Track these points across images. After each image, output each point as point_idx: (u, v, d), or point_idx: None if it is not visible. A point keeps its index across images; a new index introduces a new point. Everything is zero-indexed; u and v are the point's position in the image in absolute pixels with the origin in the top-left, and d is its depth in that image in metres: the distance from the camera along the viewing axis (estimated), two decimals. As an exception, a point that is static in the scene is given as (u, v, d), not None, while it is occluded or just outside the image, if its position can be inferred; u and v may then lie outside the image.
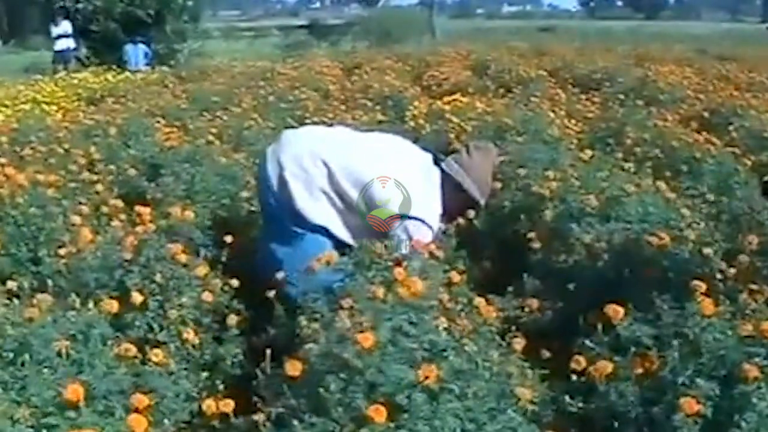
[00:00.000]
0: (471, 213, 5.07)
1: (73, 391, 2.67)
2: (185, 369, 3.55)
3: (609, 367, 3.13)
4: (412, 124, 8.73)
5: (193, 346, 3.72)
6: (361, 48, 27.15)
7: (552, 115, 8.91)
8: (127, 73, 16.78)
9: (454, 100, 9.87)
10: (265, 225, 4.81)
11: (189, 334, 3.68)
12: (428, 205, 4.45)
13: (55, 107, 11.71)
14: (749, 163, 6.79)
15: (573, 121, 8.82)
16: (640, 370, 3.11)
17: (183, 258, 4.07)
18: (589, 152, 6.40)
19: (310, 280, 3.85)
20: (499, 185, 5.72)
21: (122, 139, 7.72)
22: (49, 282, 3.78)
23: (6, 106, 11.33)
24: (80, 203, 5.13)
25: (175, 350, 3.61)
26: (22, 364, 2.83)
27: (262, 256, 4.59)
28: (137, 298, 3.66)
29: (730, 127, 8.39)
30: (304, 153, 4.50)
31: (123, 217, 4.85)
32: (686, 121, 8.99)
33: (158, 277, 3.85)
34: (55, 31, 20.71)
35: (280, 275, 4.09)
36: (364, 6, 64.88)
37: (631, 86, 12.04)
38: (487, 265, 5.13)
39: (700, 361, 2.95)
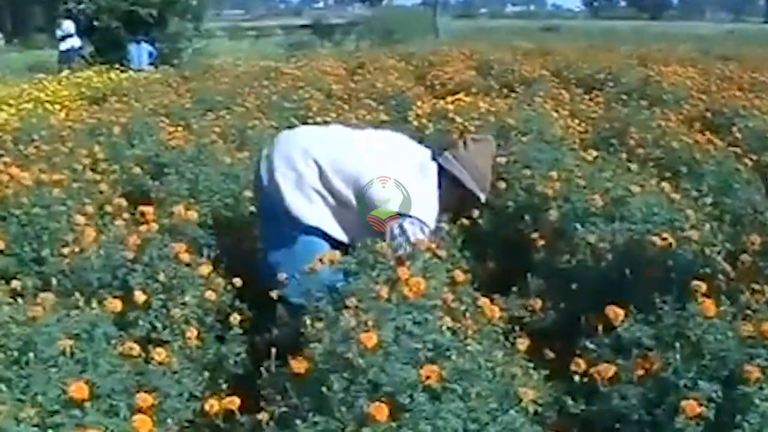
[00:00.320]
0: (474, 212, 5.08)
1: (79, 389, 2.68)
2: (188, 368, 3.55)
3: (611, 369, 3.13)
4: (415, 123, 8.72)
5: (196, 346, 3.72)
6: (365, 47, 27.16)
7: (555, 115, 8.90)
8: (131, 73, 16.77)
9: (458, 99, 9.86)
10: (261, 227, 4.79)
11: (192, 333, 3.68)
12: (424, 201, 4.39)
13: (58, 106, 11.71)
14: (751, 163, 6.78)
15: (576, 121, 8.82)
16: (641, 372, 3.11)
17: (186, 257, 4.07)
18: (592, 152, 6.40)
19: (310, 281, 3.83)
20: (503, 185, 5.73)
21: (126, 138, 7.74)
22: (53, 281, 3.79)
23: (9, 105, 11.33)
24: (84, 203, 5.13)
25: (178, 349, 3.61)
26: (27, 363, 2.84)
27: (260, 259, 4.57)
28: (140, 297, 3.67)
29: (733, 128, 8.38)
30: (296, 153, 4.46)
31: (126, 216, 4.85)
32: (689, 121, 8.99)
33: (161, 276, 3.86)
34: (59, 32, 20.70)
35: (280, 277, 4.08)
36: (368, 6, 64.78)
37: (635, 86, 12.04)
38: (491, 264, 5.14)
39: (702, 363, 2.96)
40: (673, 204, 5.08)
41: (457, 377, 2.75)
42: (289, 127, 6.71)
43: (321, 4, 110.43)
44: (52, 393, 2.72)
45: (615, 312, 3.41)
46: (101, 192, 5.65)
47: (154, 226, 4.32)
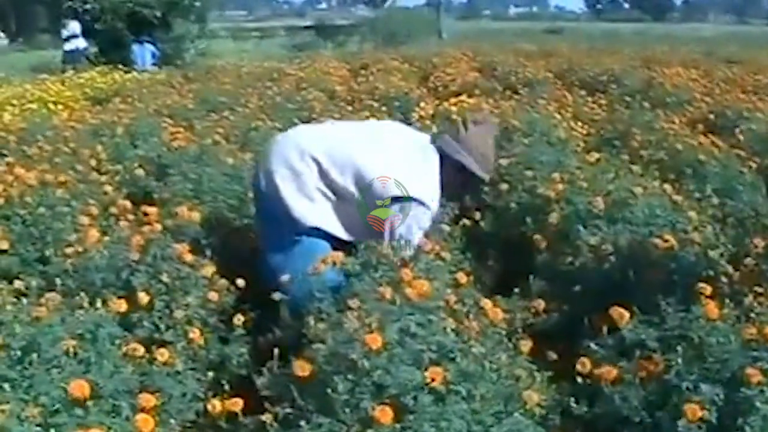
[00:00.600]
0: (477, 213, 5.07)
1: (80, 388, 2.68)
2: (191, 369, 3.55)
3: (613, 372, 3.13)
4: (418, 125, 8.72)
5: (199, 346, 3.73)
6: (368, 49, 27.16)
7: (558, 117, 8.91)
8: (134, 73, 16.79)
9: (461, 101, 9.88)
10: (261, 231, 4.73)
11: (195, 334, 3.68)
12: (425, 185, 4.32)
13: (61, 107, 11.72)
14: (755, 165, 6.78)
15: (579, 123, 8.83)
16: (644, 374, 3.11)
17: (189, 258, 4.08)
18: (595, 154, 6.40)
19: (313, 282, 3.82)
20: (505, 187, 5.74)
21: (129, 138, 7.74)
22: (57, 281, 3.79)
23: (13, 105, 11.34)
24: (88, 203, 5.13)
25: (182, 350, 3.61)
26: (30, 363, 2.84)
27: (260, 262, 4.55)
28: (143, 298, 3.67)
29: (737, 130, 8.39)
30: (292, 154, 4.39)
31: (130, 216, 4.85)
32: (692, 123, 9.00)
33: (165, 277, 3.86)
34: (65, 32, 20.72)
35: (283, 278, 4.07)
36: (371, 7, 64.91)
37: (638, 88, 12.08)
38: (494, 266, 5.14)
39: (705, 365, 2.96)
40: (676, 206, 5.09)
41: (461, 379, 2.75)
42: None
43: (324, 6, 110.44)
44: (56, 393, 2.72)
45: (619, 313, 3.42)
46: (105, 193, 5.65)
47: (158, 226, 4.33)
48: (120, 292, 3.73)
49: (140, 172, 6.34)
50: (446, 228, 4.84)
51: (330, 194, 4.34)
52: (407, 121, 9.12)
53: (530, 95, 11.16)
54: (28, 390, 2.73)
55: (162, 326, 3.70)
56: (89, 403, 2.69)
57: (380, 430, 2.55)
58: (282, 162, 4.39)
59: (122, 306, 3.50)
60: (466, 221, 5.42)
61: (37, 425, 2.58)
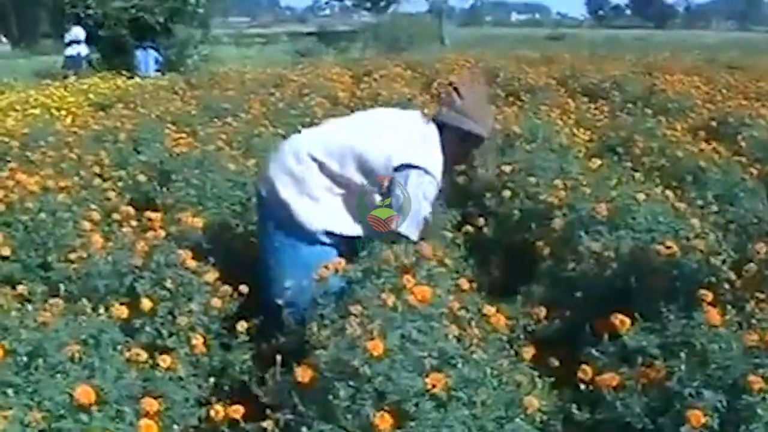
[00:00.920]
0: (480, 220, 5.06)
1: (85, 393, 2.69)
2: (194, 375, 3.56)
3: (615, 379, 3.14)
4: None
5: (202, 352, 3.74)
6: (371, 55, 27.18)
7: (561, 123, 8.92)
8: (137, 79, 16.81)
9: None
10: (263, 240, 4.66)
11: (198, 340, 3.69)
12: (427, 154, 4.30)
13: (64, 112, 11.73)
14: (756, 172, 6.78)
15: (582, 130, 8.83)
16: (646, 381, 3.12)
17: (193, 264, 4.09)
18: (597, 161, 6.41)
19: (317, 289, 3.82)
20: (508, 193, 5.74)
21: (132, 144, 7.75)
22: (61, 287, 3.80)
23: (16, 111, 11.36)
24: (91, 209, 5.14)
25: (184, 356, 3.62)
26: (36, 369, 2.85)
27: (261, 271, 4.54)
28: (147, 304, 3.68)
29: (738, 137, 8.39)
30: (289, 158, 4.40)
31: (133, 223, 4.86)
32: (694, 130, 9.00)
33: (168, 283, 3.86)
34: (68, 36, 20.77)
35: (286, 285, 4.06)
36: (374, 13, 64.92)
37: (640, 95, 12.07)
38: (496, 272, 5.15)
39: (707, 372, 2.96)
40: (678, 213, 5.09)
41: (462, 385, 2.75)
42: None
43: (327, 12, 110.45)
44: (60, 398, 2.73)
45: (621, 320, 3.42)
46: (108, 199, 5.66)
47: (161, 232, 4.34)
48: (123, 298, 3.74)
49: (143, 178, 6.35)
50: (449, 234, 4.84)
51: (336, 189, 4.32)
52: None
53: (532, 101, 11.16)
54: (32, 395, 2.74)
55: (165, 332, 3.71)
56: (93, 408, 2.70)
57: (382, 436, 2.56)
58: (281, 169, 4.39)
59: (125, 312, 3.50)
60: (469, 227, 5.43)
61: (41, 430, 2.59)
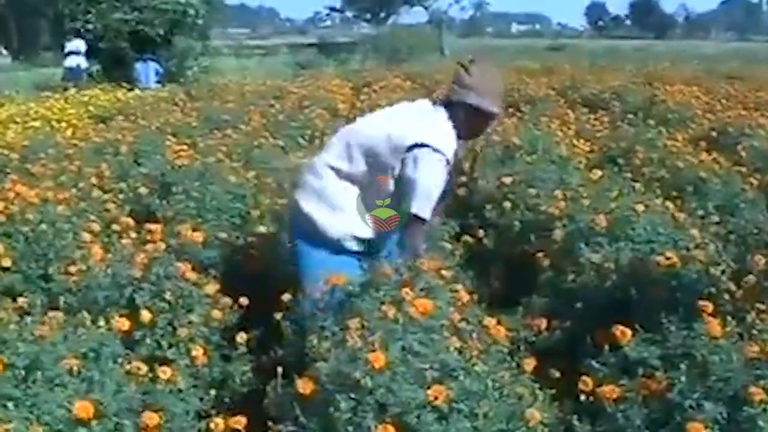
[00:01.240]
0: (480, 231, 5.06)
1: (84, 408, 2.69)
2: (194, 387, 3.55)
3: (616, 390, 3.13)
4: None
5: (202, 364, 3.73)
6: (371, 66, 27.21)
7: (561, 134, 8.92)
8: (138, 91, 16.83)
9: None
10: (297, 262, 4.51)
11: (198, 352, 3.69)
12: (435, 133, 4.23)
13: (65, 124, 11.74)
14: (756, 182, 6.79)
15: (582, 141, 8.83)
16: (647, 392, 3.11)
17: (192, 276, 4.08)
18: (598, 172, 6.41)
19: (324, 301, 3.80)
20: (508, 205, 5.74)
21: (133, 156, 7.76)
22: (61, 300, 3.80)
23: (16, 123, 11.36)
24: (91, 221, 5.14)
25: (185, 368, 3.62)
26: (34, 382, 2.85)
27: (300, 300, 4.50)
28: (146, 316, 3.67)
29: (739, 147, 8.40)
30: (309, 176, 4.42)
31: (133, 234, 4.86)
32: (695, 140, 9.00)
33: (168, 295, 3.86)
34: (68, 46, 20.80)
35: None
36: (374, 24, 65.01)
37: (640, 105, 12.09)
38: (496, 283, 5.14)
39: (708, 384, 2.96)
40: (678, 223, 5.09)
41: (464, 397, 2.75)
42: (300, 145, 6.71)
43: (327, 23, 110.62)
44: (59, 412, 2.73)
45: (622, 331, 3.42)
46: (108, 210, 5.66)
47: (161, 245, 4.34)
48: (123, 310, 3.74)
49: (144, 190, 6.35)
50: (447, 246, 4.84)
51: (351, 187, 4.31)
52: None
53: (532, 112, 11.18)
54: (31, 409, 2.73)
55: (165, 344, 3.71)
56: (93, 422, 2.70)
57: (383, 449, 2.55)
58: (303, 188, 4.41)
59: (125, 324, 3.50)
60: (468, 238, 5.43)
61: (40, 444, 2.59)
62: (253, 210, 5.84)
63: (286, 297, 4.04)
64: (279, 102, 12.76)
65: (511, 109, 12.06)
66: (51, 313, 3.43)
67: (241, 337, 3.95)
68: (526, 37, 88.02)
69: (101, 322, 3.41)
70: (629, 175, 6.85)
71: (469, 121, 4.35)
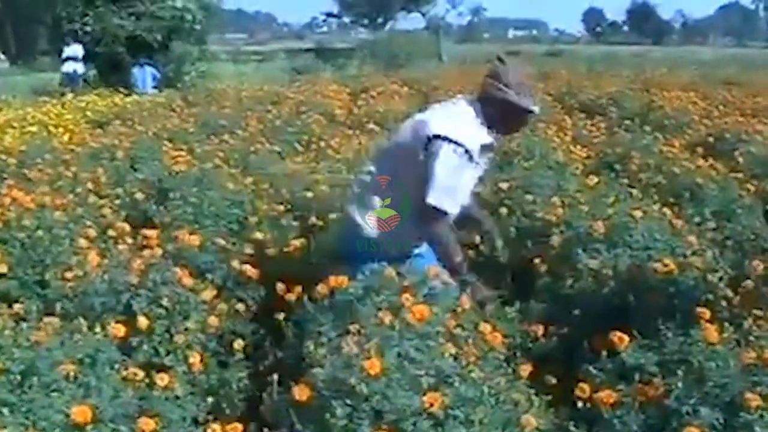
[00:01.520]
0: (476, 237, 5.06)
1: (81, 413, 2.68)
2: (191, 393, 3.55)
3: (613, 396, 3.13)
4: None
5: (199, 371, 3.72)
6: (368, 72, 27.21)
7: (558, 140, 8.93)
8: (135, 96, 16.82)
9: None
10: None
11: (195, 359, 3.68)
12: (459, 128, 4.26)
13: (62, 129, 11.72)
14: (753, 188, 6.79)
15: (579, 147, 8.83)
16: (644, 398, 3.11)
17: (189, 282, 4.08)
18: (595, 178, 6.41)
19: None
20: (505, 211, 5.74)
21: (130, 162, 7.75)
22: (57, 306, 3.79)
23: (13, 128, 11.35)
24: (87, 226, 5.13)
25: (182, 374, 3.61)
26: (30, 388, 2.84)
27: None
28: (143, 322, 3.67)
29: (736, 153, 8.41)
30: (354, 188, 4.58)
31: (130, 240, 4.85)
32: (692, 146, 9.02)
33: (165, 301, 3.86)
34: (66, 51, 20.81)
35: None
36: (371, 30, 65.07)
37: (637, 111, 12.11)
38: (494, 290, 5.13)
39: (705, 390, 2.96)
40: (675, 230, 5.09)
41: (460, 404, 2.75)
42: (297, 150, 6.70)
43: (324, 29, 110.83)
44: (55, 418, 2.72)
45: (619, 337, 3.42)
46: (104, 216, 5.65)
47: (158, 251, 4.33)
48: (120, 317, 3.73)
49: (140, 195, 6.33)
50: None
51: (388, 191, 4.35)
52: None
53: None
54: (27, 414, 2.73)
55: (162, 350, 3.70)
56: (89, 427, 2.69)
57: (379, 456, 2.55)
58: (351, 201, 4.50)
59: (122, 330, 3.49)
60: (466, 245, 5.43)
61: (37, 450, 2.58)
62: (250, 216, 5.84)
63: (290, 297, 4.04)
64: (276, 107, 12.76)
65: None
66: (47, 319, 3.43)
67: (238, 343, 3.94)
68: (523, 43, 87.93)
69: (98, 329, 3.41)
70: (626, 181, 6.85)
71: (504, 116, 4.39)
